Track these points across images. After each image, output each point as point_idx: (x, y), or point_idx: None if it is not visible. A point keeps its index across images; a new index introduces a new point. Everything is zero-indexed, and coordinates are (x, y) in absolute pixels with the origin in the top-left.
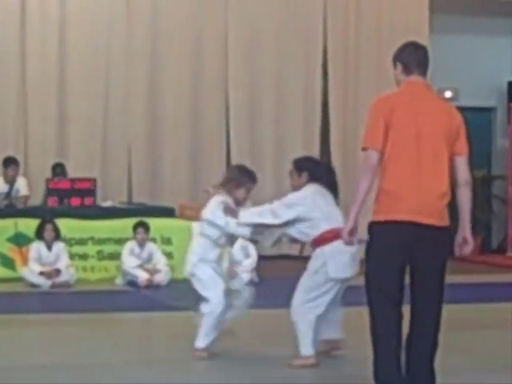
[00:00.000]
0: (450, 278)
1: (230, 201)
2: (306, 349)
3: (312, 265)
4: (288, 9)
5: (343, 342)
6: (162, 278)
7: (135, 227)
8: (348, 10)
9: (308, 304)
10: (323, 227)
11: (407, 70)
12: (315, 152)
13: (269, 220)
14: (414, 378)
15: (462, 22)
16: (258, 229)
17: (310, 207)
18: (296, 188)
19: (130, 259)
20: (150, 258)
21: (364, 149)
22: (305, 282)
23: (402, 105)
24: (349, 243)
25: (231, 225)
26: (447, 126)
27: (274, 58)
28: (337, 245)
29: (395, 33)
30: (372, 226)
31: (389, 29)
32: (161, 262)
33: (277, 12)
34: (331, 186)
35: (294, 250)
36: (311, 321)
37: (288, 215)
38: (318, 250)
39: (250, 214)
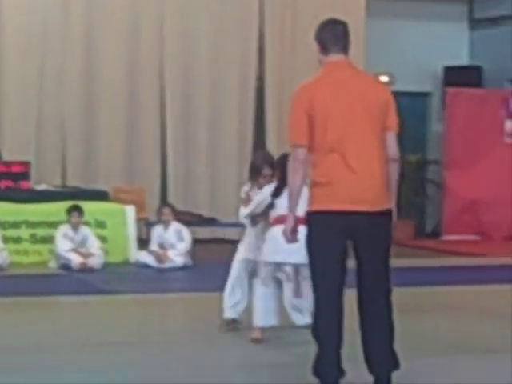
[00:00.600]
0: None
1: (246, 189)
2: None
3: None
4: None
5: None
6: (95, 261)
7: (69, 211)
8: None
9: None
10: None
11: (325, 49)
12: (248, 134)
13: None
14: (376, 364)
15: (398, 7)
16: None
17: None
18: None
19: (63, 243)
20: (83, 242)
21: (291, 146)
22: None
23: (323, 91)
24: (291, 241)
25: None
26: (375, 102)
27: (210, 43)
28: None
29: (332, 16)
30: (308, 215)
31: (326, 13)
32: (94, 245)
33: None
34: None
35: (228, 235)
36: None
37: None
38: None
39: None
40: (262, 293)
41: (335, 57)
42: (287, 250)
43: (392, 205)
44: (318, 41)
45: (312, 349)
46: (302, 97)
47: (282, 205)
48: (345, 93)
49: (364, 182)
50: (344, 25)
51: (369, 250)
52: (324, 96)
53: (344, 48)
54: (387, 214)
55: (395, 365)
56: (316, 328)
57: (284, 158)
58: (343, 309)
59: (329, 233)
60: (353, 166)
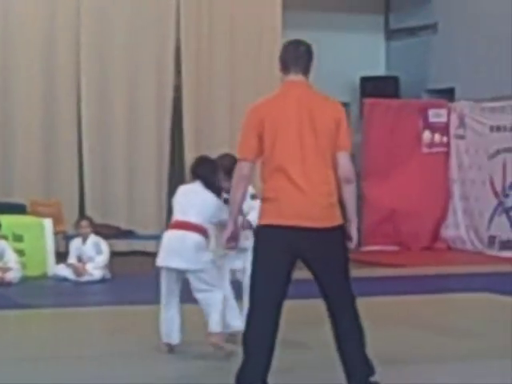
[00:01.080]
0: (302, 274)
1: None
2: None
3: None
4: (141, 5)
5: None
6: (13, 275)
7: None
8: (201, 6)
9: None
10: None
11: (285, 68)
12: (166, 145)
13: None
14: (354, 373)
15: (315, 18)
16: None
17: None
18: None
19: None
20: (1, 256)
21: (238, 160)
22: None
23: (276, 110)
24: (229, 248)
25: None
26: (325, 121)
27: (126, 53)
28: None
29: (248, 28)
30: (257, 229)
31: (242, 25)
32: (12, 259)
33: (130, 4)
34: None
35: (147, 247)
36: None
37: None
38: None
39: None
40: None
41: (293, 77)
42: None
43: (342, 221)
44: (281, 60)
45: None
46: (254, 115)
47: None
48: (295, 112)
49: (310, 199)
50: (307, 46)
51: (322, 265)
52: (274, 114)
53: (304, 69)
54: (338, 229)
55: (372, 370)
56: (245, 337)
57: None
58: (279, 322)
59: (274, 247)
60: (299, 183)
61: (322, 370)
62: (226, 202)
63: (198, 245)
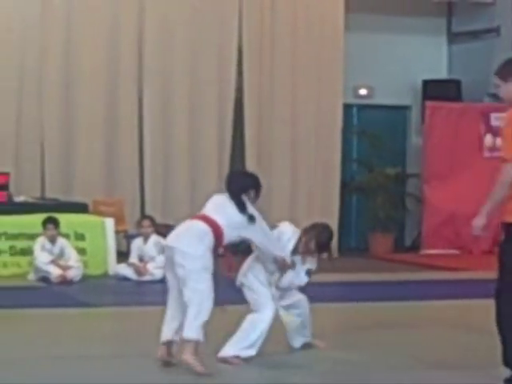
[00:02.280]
0: (363, 276)
1: None
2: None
3: None
4: (203, 4)
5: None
6: (74, 273)
7: (44, 223)
8: (263, 7)
9: None
10: None
11: None
12: (227, 151)
13: None
14: None
15: (378, 20)
16: None
17: None
18: None
19: (42, 255)
20: (61, 254)
21: (505, 161)
22: None
23: None
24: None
25: None
26: None
27: (189, 56)
28: None
29: (311, 31)
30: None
31: (304, 27)
32: (72, 257)
33: (192, 6)
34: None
35: None
36: None
37: None
38: None
39: None
40: None
41: None
42: None
43: None
44: None
45: None
46: None
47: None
48: None
49: None
50: None
51: None
52: None
53: None
54: None
55: None
56: (500, 321)
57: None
58: None
59: None
60: None
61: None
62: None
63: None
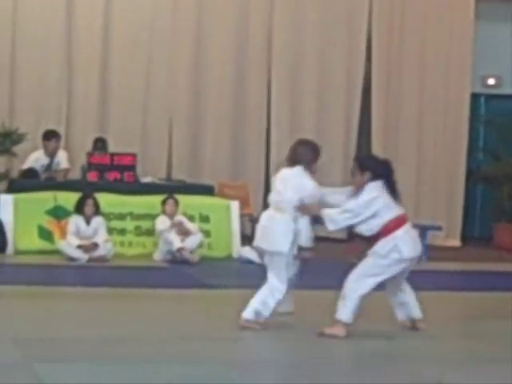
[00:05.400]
0: (486, 266)
1: None
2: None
3: (382, 248)
4: None
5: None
6: (194, 242)
7: (164, 200)
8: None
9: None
10: (387, 218)
11: None
12: (353, 137)
13: (352, 220)
14: None
15: (508, 9)
16: None
17: (382, 204)
18: (358, 185)
19: (165, 223)
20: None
21: None
22: (369, 264)
23: None
24: None
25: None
26: None
27: (317, 41)
28: (405, 229)
29: (440, 20)
30: None
31: (434, 15)
32: (192, 227)
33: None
34: (391, 184)
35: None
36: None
37: (367, 213)
38: (389, 237)
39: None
40: None
41: None
42: None
43: None
44: None
45: None
46: None
47: None
48: None
49: None
50: None
51: None
52: None
53: None
54: None
55: None
56: None
57: (373, 159)
58: None
59: None
60: None
61: None
62: None
63: None
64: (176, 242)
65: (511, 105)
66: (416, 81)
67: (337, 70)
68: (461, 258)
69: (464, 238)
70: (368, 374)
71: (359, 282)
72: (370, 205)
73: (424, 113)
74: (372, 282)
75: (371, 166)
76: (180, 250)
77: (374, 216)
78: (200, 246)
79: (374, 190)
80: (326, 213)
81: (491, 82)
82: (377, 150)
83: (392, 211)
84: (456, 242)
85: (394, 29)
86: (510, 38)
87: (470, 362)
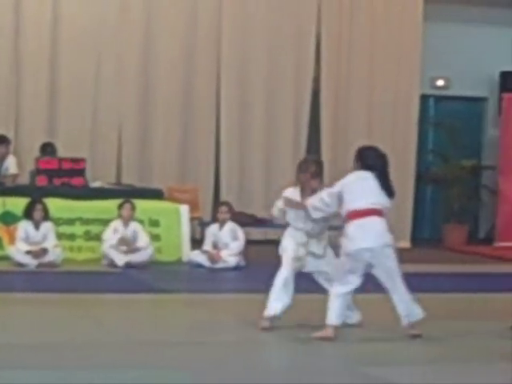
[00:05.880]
0: (436, 268)
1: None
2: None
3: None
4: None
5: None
6: (142, 257)
7: (121, 204)
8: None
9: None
10: (348, 209)
11: None
12: (303, 139)
13: (328, 208)
14: None
15: (456, 11)
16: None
17: (349, 195)
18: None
19: (109, 238)
20: (134, 237)
21: None
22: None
23: None
24: None
25: None
26: None
27: (266, 43)
28: (358, 223)
29: (389, 21)
30: None
31: (383, 17)
32: (143, 240)
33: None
34: (382, 177)
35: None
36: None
37: (335, 202)
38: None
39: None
40: None
41: None
42: None
43: None
44: None
45: None
46: None
47: None
48: None
49: None
50: None
51: None
52: None
53: None
54: None
55: None
56: None
57: (367, 150)
58: None
59: None
60: None
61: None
62: None
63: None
64: (118, 260)
65: (460, 106)
66: (365, 83)
67: (286, 72)
68: (411, 260)
69: (414, 240)
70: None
71: (337, 281)
72: (336, 194)
73: (373, 114)
74: (350, 278)
75: (363, 156)
76: (126, 264)
77: (341, 206)
78: (150, 260)
79: (348, 179)
80: (308, 202)
81: (440, 83)
82: (327, 151)
83: (355, 203)
84: (406, 244)
85: (343, 32)
86: (458, 40)
87: (413, 361)
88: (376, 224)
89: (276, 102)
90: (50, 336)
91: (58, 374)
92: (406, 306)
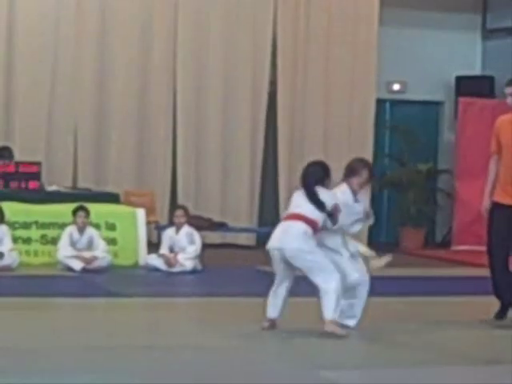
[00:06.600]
0: (393, 271)
1: None
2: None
3: None
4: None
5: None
6: (99, 264)
7: (75, 211)
8: (298, 1)
9: None
10: None
11: None
12: (260, 139)
13: None
14: None
15: (412, 16)
16: None
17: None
18: None
19: (65, 249)
20: (89, 244)
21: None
22: None
23: (505, 124)
24: None
25: None
26: None
27: (222, 47)
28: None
29: (345, 25)
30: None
31: (339, 21)
32: (100, 248)
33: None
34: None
35: (239, 240)
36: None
37: None
38: None
39: None
40: None
41: None
42: None
43: None
44: None
45: None
46: (495, 125)
47: None
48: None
49: None
50: None
51: None
52: (504, 128)
53: None
54: None
55: None
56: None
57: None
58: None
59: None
60: None
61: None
62: None
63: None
64: (76, 265)
65: (416, 110)
66: (321, 87)
67: (242, 76)
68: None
69: (370, 243)
70: None
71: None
72: None
73: (330, 118)
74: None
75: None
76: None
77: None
78: (107, 266)
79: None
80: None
81: (396, 87)
82: (284, 156)
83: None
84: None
85: (299, 35)
86: (414, 44)
87: (367, 364)
88: (290, 226)
89: (232, 107)
90: (6, 340)
91: (10, 379)
92: None
